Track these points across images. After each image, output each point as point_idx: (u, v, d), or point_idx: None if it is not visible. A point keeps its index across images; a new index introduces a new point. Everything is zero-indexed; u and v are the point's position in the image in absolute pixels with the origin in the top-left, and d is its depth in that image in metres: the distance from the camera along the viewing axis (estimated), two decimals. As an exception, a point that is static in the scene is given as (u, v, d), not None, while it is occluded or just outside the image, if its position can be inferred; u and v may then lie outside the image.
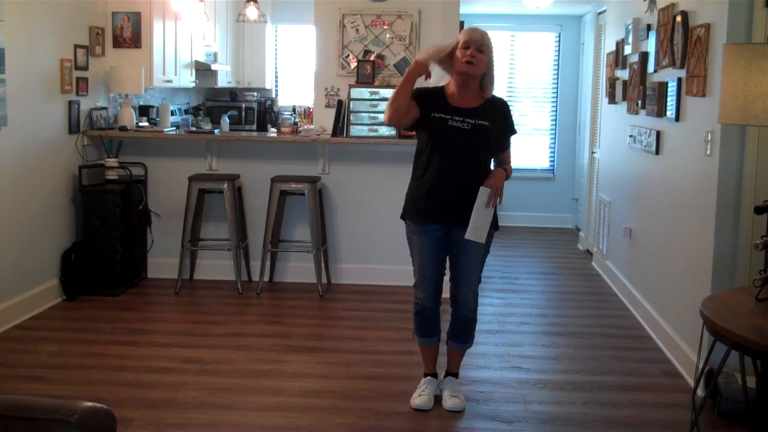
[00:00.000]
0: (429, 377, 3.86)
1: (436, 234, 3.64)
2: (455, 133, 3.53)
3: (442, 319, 3.83)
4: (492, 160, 3.71)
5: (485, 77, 3.59)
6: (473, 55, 3.49)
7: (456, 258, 3.69)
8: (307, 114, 8.22)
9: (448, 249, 3.69)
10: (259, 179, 5.90)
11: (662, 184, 4.84)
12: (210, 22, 7.52)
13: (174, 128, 6.45)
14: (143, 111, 6.61)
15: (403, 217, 3.75)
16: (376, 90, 5.83)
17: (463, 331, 3.81)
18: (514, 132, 3.75)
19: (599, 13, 7.42)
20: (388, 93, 5.80)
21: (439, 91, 3.65)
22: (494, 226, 3.68)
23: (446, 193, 3.56)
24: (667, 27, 4.69)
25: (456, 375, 3.88)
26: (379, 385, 4.01)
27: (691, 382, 3.96)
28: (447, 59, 3.56)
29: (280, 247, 5.95)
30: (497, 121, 3.62)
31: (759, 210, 3.04)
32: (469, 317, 3.77)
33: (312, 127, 6.10)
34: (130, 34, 6.07)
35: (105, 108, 6.00)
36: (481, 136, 3.55)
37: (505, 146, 3.71)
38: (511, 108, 3.77)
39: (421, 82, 3.61)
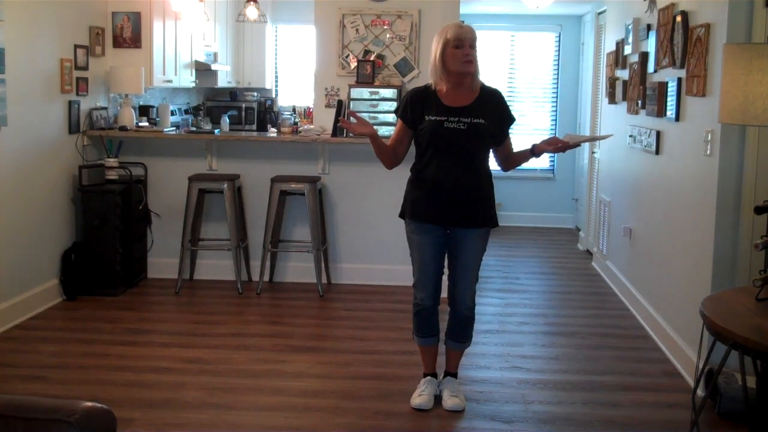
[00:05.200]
0: (429, 377, 3.85)
1: (436, 232, 3.63)
2: (452, 134, 3.49)
3: (441, 319, 3.83)
4: (493, 153, 3.68)
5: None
6: (469, 53, 3.47)
7: (455, 256, 3.68)
8: (307, 114, 8.23)
9: (447, 247, 3.69)
10: (259, 179, 5.90)
11: (662, 184, 4.84)
12: (210, 22, 7.52)
13: (174, 128, 6.45)
14: (143, 111, 6.61)
15: (402, 215, 3.75)
16: (376, 90, 5.83)
17: (462, 330, 3.80)
18: (512, 121, 3.68)
19: (599, 13, 7.42)
20: (388, 93, 5.82)
21: (430, 92, 3.60)
22: (493, 223, 3.67)
23: (446, 194, 3.54)
24: (667, 27, 4.69)
25: (455, 375, 3.88)
26: (379, 385, 4.01)
27: (691, 382, 3.96)
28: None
29: (280, 247, 5.95)
30: (493, 116, 3.57)
31: (759, 210, 3.04)
32: (468, 316, 3.76)
33: (312, 127, 6.09)
34: (130, 34, 6.07)
35: (105, 108, 6.00)
36: (479, 135, 3.51)
37: (504, 136, 3.66)
38: (504, 96, 3.71)
39: (414, 83, 3.61)
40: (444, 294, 3.76)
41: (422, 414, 3.70)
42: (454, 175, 3.52)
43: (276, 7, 8.83)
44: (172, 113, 7.09)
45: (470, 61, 3.47)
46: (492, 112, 3.57)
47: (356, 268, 6.01)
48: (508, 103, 3.71)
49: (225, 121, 7.37)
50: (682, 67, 4.41)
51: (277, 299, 5.67)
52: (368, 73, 5.94)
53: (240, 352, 4.48)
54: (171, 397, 3.82)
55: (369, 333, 4.87)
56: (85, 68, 5.69)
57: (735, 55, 2.73)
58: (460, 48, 3.46)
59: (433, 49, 3.55)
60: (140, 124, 6.16)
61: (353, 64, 6.01)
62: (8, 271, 4.82)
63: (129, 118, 6.00)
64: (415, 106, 3.60)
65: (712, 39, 3.97)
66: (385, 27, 6.01)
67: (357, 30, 6.02)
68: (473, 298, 3.74)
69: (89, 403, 1.90)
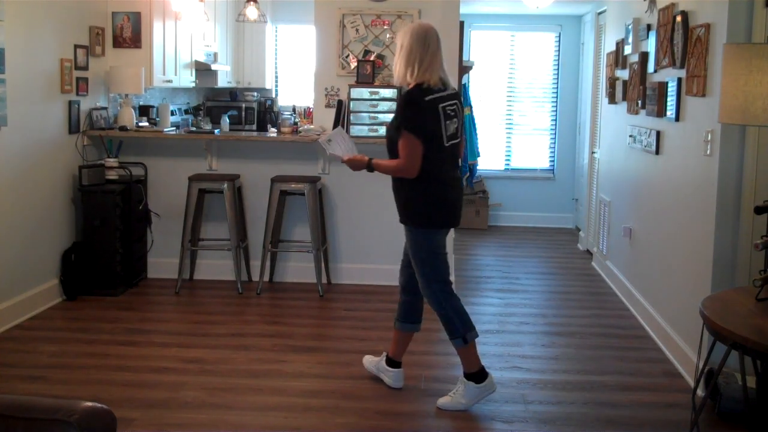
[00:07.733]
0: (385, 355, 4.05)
1: None
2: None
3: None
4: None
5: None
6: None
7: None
8: (307, 114, 8.22)
9: None
10: (259, 179, 5.90)
11: (662, 184, 4.84)
12: (210, 22, 7.52)
13: (174, 128, 6.45)
14: (143, 111, 6.61)
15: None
16: (376, 90, 5.82)
17: (445, 327, 3.80)
18: (400, 123, 3.57)
19: (599, 13, 7.42)
20: (388, 93, 5.82)
21: None
22: (408, 222, 3.72)
23: None
24: (667, 27, 4.69)
25: (465, 375, 3.81)
26: (379, 385, 4.01)
27: (691, 382, 3.96)
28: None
29: (280, 247, 5.95)
30: (394, 120, 3.70)
31: (759, 210, 3.04)
32: (438, 312, 3.76)
33: (312, 127, 6.09)
34: (130, 34, 6.07)
35: (105, 108, 6.00)
36: (387, 137, 3.75)
37: (394, 141, 3.64)
38: (405, 100, 3.61)
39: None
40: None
41: (422, 414, 3.71)
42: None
43: (276, 7, 8.84)
44: (172, 113, 7.09)
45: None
46: (395, 117, 3.71)
47: (356, 268, 6.01)
48: (408, 106, 3.59)
49: (225, 121, 7.36)
50: (682, 67, 4.41)
51: (277, 299, 5.68)
52: (368, 73, 5.94)
53: (240, 352, 4.48)
54: (171, 397, 3.82)
55: (369, 333, 4.87)
56: (85, 68, 5.69)
57: (735, 55, 2.73)
58: None
59: None
60: (140, 124, 6.16)
61: (353, 64, 6.01)
62: (8, 271, 4.82)
63: (129, 118, 6.00)
64: None
65: (712, 39, 3.97)
66: (385, 27, 6.01)
67: (357, 30, 6.02)
68: (431, 297, 3.74)
69: (89, 403, 1.90)
